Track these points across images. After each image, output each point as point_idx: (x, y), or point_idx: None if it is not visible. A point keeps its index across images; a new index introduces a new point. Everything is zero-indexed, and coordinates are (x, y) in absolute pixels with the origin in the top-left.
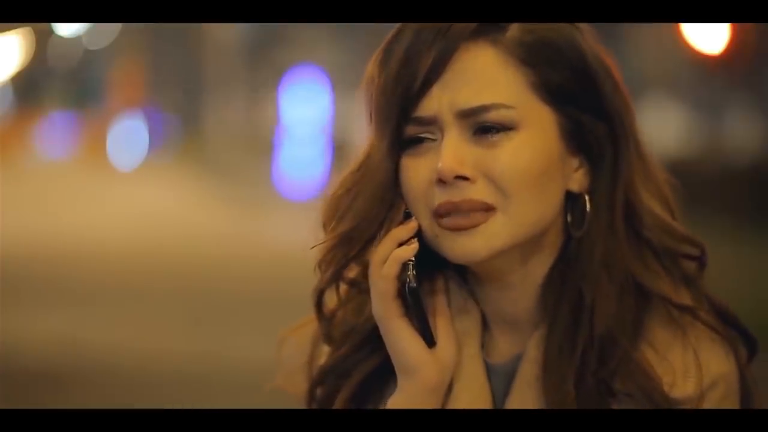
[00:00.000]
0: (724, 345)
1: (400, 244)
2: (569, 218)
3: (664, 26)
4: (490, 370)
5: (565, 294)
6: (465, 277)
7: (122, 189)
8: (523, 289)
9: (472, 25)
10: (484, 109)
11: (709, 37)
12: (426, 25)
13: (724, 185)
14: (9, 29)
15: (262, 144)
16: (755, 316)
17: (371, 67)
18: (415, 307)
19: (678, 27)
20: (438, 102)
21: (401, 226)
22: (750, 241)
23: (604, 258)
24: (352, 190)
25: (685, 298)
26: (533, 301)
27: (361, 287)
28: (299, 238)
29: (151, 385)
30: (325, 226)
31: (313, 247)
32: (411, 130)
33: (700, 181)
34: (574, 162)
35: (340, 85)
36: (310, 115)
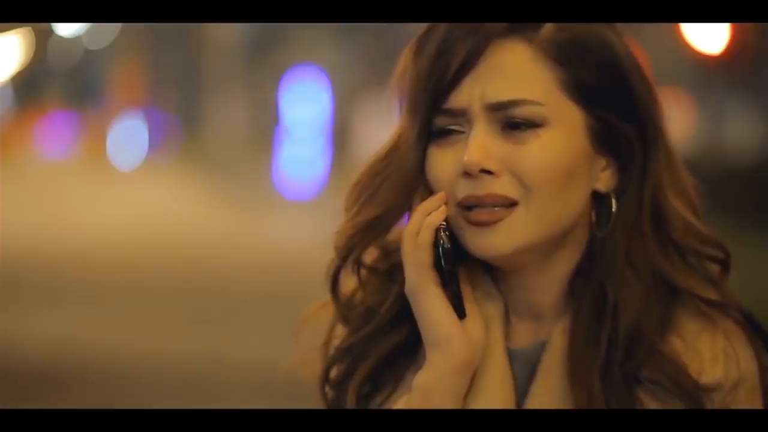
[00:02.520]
0: (752, 343)
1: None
2: (593, 217)
3: (664, 26)
4: (511, 355)
5: (588, 289)
6: (488, 268)
7: (122, 189)
8: (546, 283)
9: (507, 21)
10: (514, 103)
11: (709, 37)
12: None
13: (724, 185)
14: (9, 29)
15: (262, 144)
16: (755, 316)
17: (405, 58)
18: (448, 270)
19: (678, 27)
20: (469, 94)
21: (429, 199)
22: (750, 241)
23: (629, 256)
24: (378, 176)
25: (712, 296)
26: (556, 295)
27: (378, 271)
28: (299, 238)
29: (151, 385)
30: (347, 210)
31: (336, 233)
32: (440, 121)
33: (700, 181)
34: (602, 162)
35: (340, 85)
36: (310, 115)
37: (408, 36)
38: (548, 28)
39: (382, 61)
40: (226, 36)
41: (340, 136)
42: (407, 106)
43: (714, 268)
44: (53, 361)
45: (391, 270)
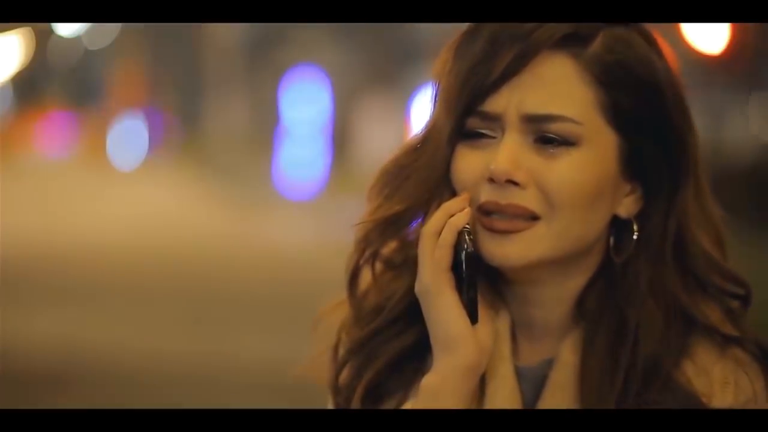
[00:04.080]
0: (765, 374)
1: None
2: (612, 242)
3: (664, 26)
4: (518, 373)
5: (605, 314)
6: (496, 280)
7: (122, 189)
8: (555, 300)
9: (557, 34)
10: (551, 118)
11: (709, 37)
12: (508, 24)
13: (724, 185)
14: (9, 29)
15: (262, 144)
16: (755, 316)
17: (444, 55)
18: (469, 275)
19: (678, 27)
20: (506, 101)
21: (453, 200)
22: (750, 241)
23: (651, 285)
24: (404, 169)
25: (730, 331)
26: (564, 312)
27: (394, 264)
28: (299, 238)
29: (151, 385)
30: (371, 200)
31: (355, 225)
32: (473, 123)
33: None
34: (627, 187)
35: (340, 85)
36: (310, 115)
37: (408, 36)
38: (596, 46)
39: (382, 61)
40: (226, 36)
41: (340, 136)
42: (442, 103)
43: (734, 303)
44: (53, 361)
45: (406, 264)
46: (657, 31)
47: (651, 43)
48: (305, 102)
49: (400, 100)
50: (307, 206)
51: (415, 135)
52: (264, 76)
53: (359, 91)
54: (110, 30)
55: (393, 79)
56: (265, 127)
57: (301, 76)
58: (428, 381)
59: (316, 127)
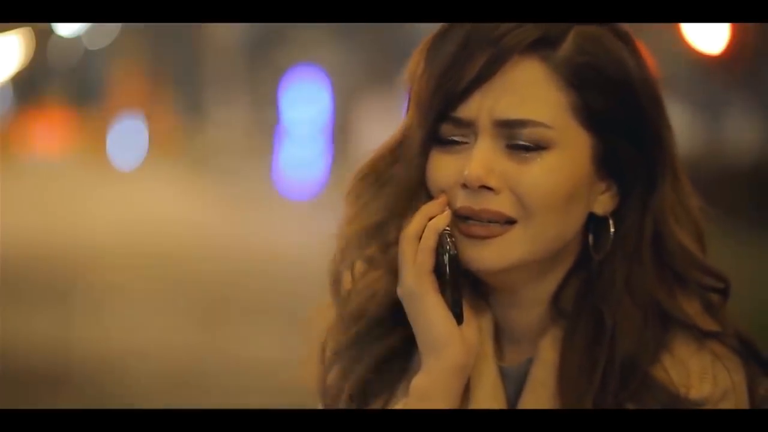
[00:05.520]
0: (745, 367)
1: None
2: (591, 240)
3: (664, 26)
4: (501, 371)
5: (583, 312)
6: (477, 281)
7: (122, 189)
8: (534, 298)
9: (527, 38)
10: (522, 123)
11: (709, 37)
12: (479, 27)
13: (724, 185)
14: (9, 29)
15: (262, 144)
16: (755, 316)
17: (416, 58)
18: (454, 276)
19: (678, 27)
20: (478, 107)
21: (431, 202)
22: (750, 241)
23: (628, 283)
24: (382, 175)
25: (709, 325)
26: (544, 309)
27: (376, 263)
28: (299, 238)
29: (151, 385)
30: (349, 205)
31: (334, 234)
32: (446, 129)
33: (701, 181)
34: (602, 185)
35: (340, 85)
36: (310, 115)
37: (407, 36)
38: (566, 49)
39: (382, 61)
40: (226, 36)
41: (340, 136)
42: (415, 108)
43: (713, 296)
44: (53, 361)
45: (387, 265)
46: (657, 31)
47: (625, 41)
48: (305, 102)
49: (400, 100)
50: (307, 206)
51: (391, 138)
52: (264, 75)
53: (359, 91)
54: (110, 30)
55: (393, 79)
56: (265, 127)
57: (301, 76)
58: (418, 382)
59: (316, 127)
